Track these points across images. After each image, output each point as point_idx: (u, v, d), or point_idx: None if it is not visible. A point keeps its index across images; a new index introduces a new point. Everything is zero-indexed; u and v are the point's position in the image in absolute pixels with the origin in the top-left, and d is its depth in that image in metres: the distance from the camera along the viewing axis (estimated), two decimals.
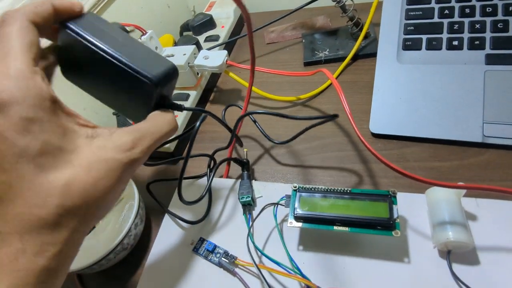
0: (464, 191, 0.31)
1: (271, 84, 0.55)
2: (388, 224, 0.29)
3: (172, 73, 0.25)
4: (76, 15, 0.25)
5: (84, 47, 0.24)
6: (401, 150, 0.41)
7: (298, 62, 0.58)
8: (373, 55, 0.53)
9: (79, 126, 0.22)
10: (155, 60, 0.25)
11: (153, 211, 0.43)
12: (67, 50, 0.25)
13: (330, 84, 0.52)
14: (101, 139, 0.22)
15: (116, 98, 0.27)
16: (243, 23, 0.71)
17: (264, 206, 0.36)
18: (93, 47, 0.24)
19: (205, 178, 0.42)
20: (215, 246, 0.36)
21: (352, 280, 0.31)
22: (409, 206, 0.34)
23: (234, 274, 0.34)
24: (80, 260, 0.34)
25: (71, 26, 0.24)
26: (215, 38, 0.61)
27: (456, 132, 0.39)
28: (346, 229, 0.30)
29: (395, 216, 0.30)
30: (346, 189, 0.33)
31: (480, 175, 0.36)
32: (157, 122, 0.25)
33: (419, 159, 0.40)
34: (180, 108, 0.28)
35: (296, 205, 0.32)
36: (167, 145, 0.45)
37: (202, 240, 0.37)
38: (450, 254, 0.30)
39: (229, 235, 0.37)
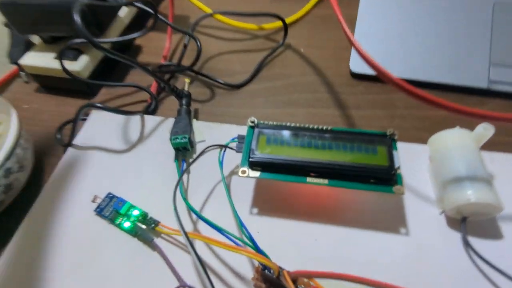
0: (488, 136, 0.22)
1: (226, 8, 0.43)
2: (388, 176, 0.20)
3: None
4: None
5: None
6: (389, 95, 0.32)
7: None
8: None
9: None
10: None
11: (49, 156, 0.30)
12: None
13: (302, 17, 0.42)
14: None
15: None
16: None
17: (206, 148, 0.25)
18: None
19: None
20: (129, 206, 0.24)
21: (327, 258, 0.21)
22: (404, 159, 0.25)
23: (153, 247, 0.22)
24: None
25: None
26: None
27: (456, 75, 0.31)
28: (324, 181, 0.20)
29: (396, 164, 0.20)
30: (325, 127, 0.22)
31: None
32: None
33: (409, 106, 0.31)
34: None
35: (254, 146, 0.22)
36: (79, 70, 0.32)
37: (110, 197, 0.25)
38: (465, 222, 0.21)
39: (151, 190, 0.26)
